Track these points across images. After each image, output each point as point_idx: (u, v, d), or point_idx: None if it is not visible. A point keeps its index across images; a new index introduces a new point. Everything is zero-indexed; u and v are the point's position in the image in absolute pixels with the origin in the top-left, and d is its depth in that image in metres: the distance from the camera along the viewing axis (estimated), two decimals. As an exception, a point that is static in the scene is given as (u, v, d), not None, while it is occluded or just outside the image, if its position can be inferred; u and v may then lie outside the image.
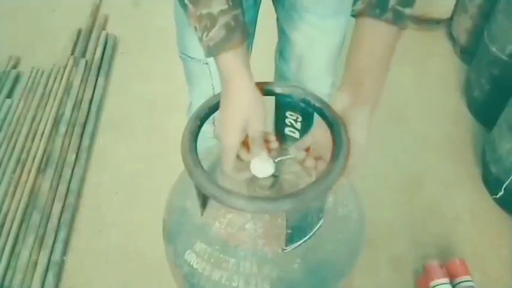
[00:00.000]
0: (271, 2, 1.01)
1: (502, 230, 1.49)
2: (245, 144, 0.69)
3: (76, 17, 2.23)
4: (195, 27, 0.63)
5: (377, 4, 0.61)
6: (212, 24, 0.61)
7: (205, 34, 0.62)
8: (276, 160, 0.71)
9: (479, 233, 1.49)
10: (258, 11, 1.01)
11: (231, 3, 0.61)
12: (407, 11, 0.62)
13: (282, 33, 1.05)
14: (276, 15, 1.05)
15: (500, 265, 1.41)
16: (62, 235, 1.46)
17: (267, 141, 0.71)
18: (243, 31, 0.64)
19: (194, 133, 0.68)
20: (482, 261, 1.40)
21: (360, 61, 0.65)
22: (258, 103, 0.66)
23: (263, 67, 1.18)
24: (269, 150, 0.71)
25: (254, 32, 1.05)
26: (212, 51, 0.63)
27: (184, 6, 0.63)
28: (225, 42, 0.62)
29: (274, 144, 0.72)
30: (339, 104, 0.68)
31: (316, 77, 1.07)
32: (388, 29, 0.63)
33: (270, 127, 0.84)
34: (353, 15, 0.66)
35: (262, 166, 0.70)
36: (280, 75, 1.13)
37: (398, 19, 0.62)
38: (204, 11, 0.61)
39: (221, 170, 0.69)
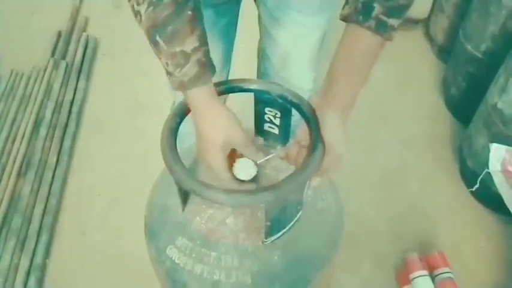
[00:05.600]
0: (251, 2, 1.02)
1: (479, 224, 1.53)
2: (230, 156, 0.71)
3: (56, 20, 2.21)
4: (166, 63, 0.64)
5: (361, 11, 0.62)
6: (186, 61, 0.62)
7: (178, 70, 0.63)
8: (258, 162, 0.72)
9: (458, 227, 1.53)
10: (238, 11, 1.02)
11: (202, 40, 0.63)
12: (392, 21, 0.62)
13: (264, 32, 1.05)
14: (257, 15, 1.06)
15: (479, 257, 1.45)
16: (44, 238, 1.45)
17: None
18: (212, 65, 0.66)
19: (173, 130, 0.69)
20: (460, 254, 1.44)
21: (336, 65, 0.67)
22: (233, 121, 0.68)
23: (245, 66, 1.20)
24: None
25: (235, 32, 1.06)
26: (186, 85, 0.64)
27: (155, 43, 0.63)
28: (199, 77, 0.64)
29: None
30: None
31: (300, 74, 1.08)
32: (369, 36, 0.63)
33: (250, 124, 0.85)
34: (341, 19, 0.66)
35: (244, 169, 0.71)
36: (263, 73, 1.14)
37: (380, 28, 0.62)
38: (178, 49, 0.62)
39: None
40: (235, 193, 0.62)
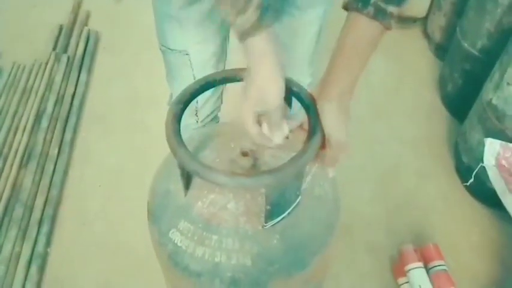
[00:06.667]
0: None
1: (473, 218, 1.56)
2: None
3: (57, 13, 2.23)
4: (227, 13, 0.64)
5: None
6: (247, 5, 0.62)
7: (240, 17, 0.62)
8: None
9: (451, 221, 1.55)
10: None
11: None
12: (390, 8, 0.65)
13: None
14: None
15: (471, 250, 1.48)
16: (45, 228, 1.47)
17: None
18: (276, 9, 0.65)
19: (177, 116, 0.71)
20: (454, 248, 1.46)
21: (336, 52, 0.69)
22: (279, 86, 0.68)
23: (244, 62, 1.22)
24: None
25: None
26: (248, 32, 0.63)
27: None
28: (260, 22, 0.63)
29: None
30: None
31: (297, 68, 1.10)
32: (368, 23, 0.65)
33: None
34: (343, 8, 0.69)
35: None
36: None
37: (379, 15, 0.65)
38: None
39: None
40: (237, 175, 0.64)
